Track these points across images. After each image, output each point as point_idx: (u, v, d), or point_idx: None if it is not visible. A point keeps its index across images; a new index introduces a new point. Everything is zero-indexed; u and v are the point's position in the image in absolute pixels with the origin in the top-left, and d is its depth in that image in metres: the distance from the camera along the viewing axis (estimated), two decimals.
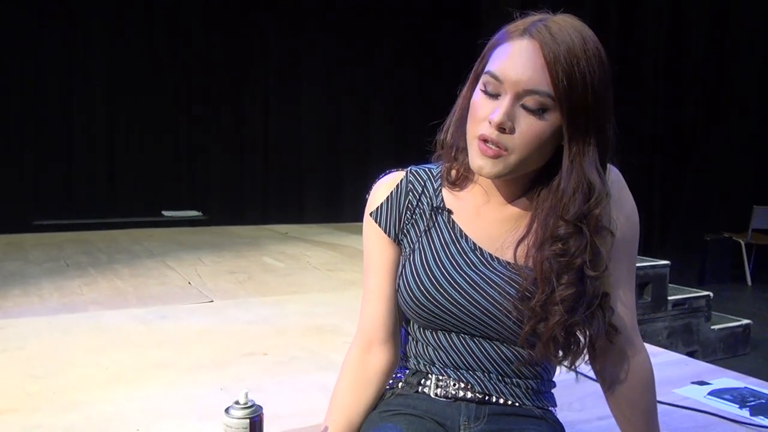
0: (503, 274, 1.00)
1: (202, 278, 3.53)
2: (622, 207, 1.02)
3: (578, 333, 0.96)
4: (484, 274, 1.01)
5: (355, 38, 6.89)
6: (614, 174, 1.02)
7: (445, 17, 7.15)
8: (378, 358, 1.08)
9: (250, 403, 1.01)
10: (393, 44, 7.11)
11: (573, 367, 1.00)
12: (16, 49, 5.54)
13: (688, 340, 4.08)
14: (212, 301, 3.06)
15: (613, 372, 1.05)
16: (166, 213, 6.03)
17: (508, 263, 1.00)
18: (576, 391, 1.81)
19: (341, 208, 6.96)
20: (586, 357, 1.02)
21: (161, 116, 6.21)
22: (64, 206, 5.75)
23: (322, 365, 2.16)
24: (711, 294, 4.22)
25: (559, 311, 0.93)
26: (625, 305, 1.03)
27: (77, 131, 5.93)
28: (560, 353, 0.98)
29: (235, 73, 6.52)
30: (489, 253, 1.02)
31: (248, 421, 0.99)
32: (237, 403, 1.01)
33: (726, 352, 4.21)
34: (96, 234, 5.15)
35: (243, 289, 3.33)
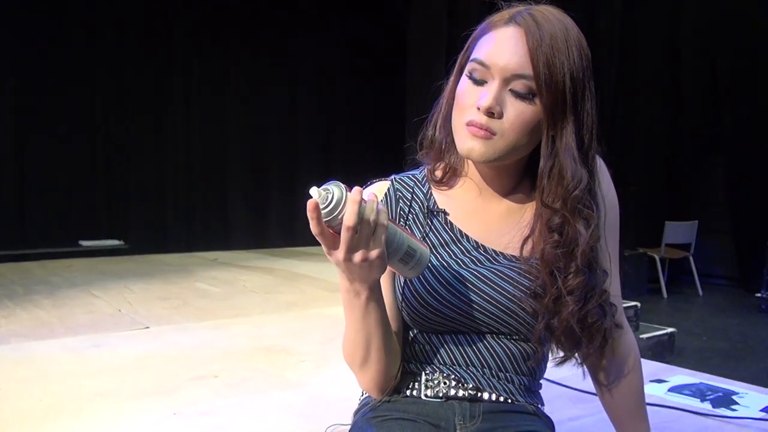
0: (512, 267, 0.98)
1: (133, 305, 3.34)
2: (606, 194, 1.03)
3: (592, 326, 0.95)
4: (494, 267, 0.99)
5: (278, 53, 6.78)
6: (599, 162, 1.03)
7: (372, 21, 7.06)
8: None
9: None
10: (317, 58, 7.04)
11: (583, 361, 1.01)
12: None
13: None
14: (148, 328, 2.88)
15: (607, 356, 1.05)
16: (84, 243, 5.70)
17: (514, 257, 0.99)
18: (543, 394, 1.80)
19: (269, 233, 6.79)
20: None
21: (75, 141, 5.88)
22: None
23: (278, 384, 2.07)
24: (638, 304, 4.38)
25: (570, 302, 0.92)
26: (613, 291, 1.03)
27: None
28: (573, 346, 0.97)
29: (154, 94, 6.28)
30: (492, 249, 1.01)
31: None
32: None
33: (654, 359, 4.36)
34: (7, 266, 4.79)
35: (179, 315, 3.16)
